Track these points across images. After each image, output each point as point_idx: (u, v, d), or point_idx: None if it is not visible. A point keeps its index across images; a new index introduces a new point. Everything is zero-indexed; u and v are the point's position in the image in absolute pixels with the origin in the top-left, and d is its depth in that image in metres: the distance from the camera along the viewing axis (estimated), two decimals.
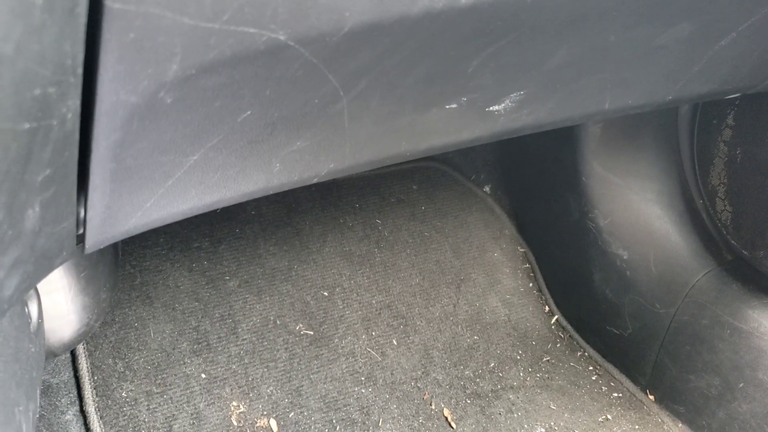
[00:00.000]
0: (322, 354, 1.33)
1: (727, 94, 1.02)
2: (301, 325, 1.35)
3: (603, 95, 0.88)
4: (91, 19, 0.39)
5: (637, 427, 1.31)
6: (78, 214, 0.59)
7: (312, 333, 1.35)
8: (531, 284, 1.56)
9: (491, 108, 0.80)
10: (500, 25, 0.62)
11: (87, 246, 0.65)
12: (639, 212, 1.33)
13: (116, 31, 0.40)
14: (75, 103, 0.43)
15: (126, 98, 0.46)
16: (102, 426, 1.16)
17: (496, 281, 1.53)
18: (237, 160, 0.67)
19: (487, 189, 1.64)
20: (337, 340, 1.35)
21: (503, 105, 0.81)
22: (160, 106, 0.50)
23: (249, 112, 0.59)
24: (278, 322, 1.33)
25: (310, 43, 0.51)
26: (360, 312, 1.40)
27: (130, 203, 0.62)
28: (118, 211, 0.62)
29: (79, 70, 0.41)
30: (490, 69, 0.72)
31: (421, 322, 1.43)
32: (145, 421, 1.19)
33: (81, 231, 0.62)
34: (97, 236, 0.64)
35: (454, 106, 0.77)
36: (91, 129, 0.47)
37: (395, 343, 1.39)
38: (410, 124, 0.77)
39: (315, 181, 0.79)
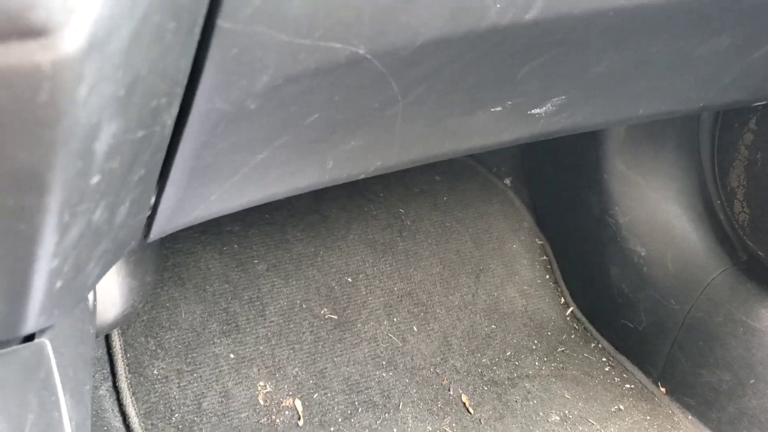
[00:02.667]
0: (346, 338, 1.37)
1: (756, 102, 1.05)
2: (325, 310, 1.39)
3: (638, 101, 0.91)
4: (202, 36, 0.42)
5: (648, 417, 1.35)
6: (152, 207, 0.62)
7: (336, 317, 1.39)
8: (548, 276, 1.60)
9: (533, 111, 0.84)
10: (554, 38, 0.65)
11: (151, 235, 0.68)
12: (658, 210, 1.37)
13: (222, 47, 0.43)
14: (176, 110, 0.46)
15: (219, 106, 0.49)
16: (134, 402, 1.20)
17: (514, 272, 1.57)
18: (297, 157, 0.70)
19: (507, 181, 1.67)
20: (360, 324, 1.39)
21: (545, 108, 0.84)
22: (245, 112, 0.53)
23: (316, 116, 0.62)
24: (304, 305, 1.37)
25: (384, 55, 0.54)
26: (382, 298, 1.44)
27: (198, 196, 0.66)
28: (186, 203, 0.66)
29: (185, 82, 0.44)
30: (537, 76, 0.75)
31: (441, 310, 1.47)
32: (175, 398, 1.23)
33: (150, 222, 0.65)
34: (163, 227, 0.68)
35: (499, 109, 0.80)
36: (181, 132, 0.51)
37: (415, 329, 1.43)
38: (456, 125, 0.80)
39: (362, 177, 0.83)
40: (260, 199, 0.75)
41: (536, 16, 0.58)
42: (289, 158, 0.69)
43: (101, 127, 0.33)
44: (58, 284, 0.42)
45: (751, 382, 1.23)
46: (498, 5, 0.54)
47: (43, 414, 0.52)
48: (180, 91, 0.44)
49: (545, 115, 0.85)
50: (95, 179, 0.36)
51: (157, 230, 0.68)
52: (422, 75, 0.63)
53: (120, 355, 1.22)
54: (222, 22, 0.41)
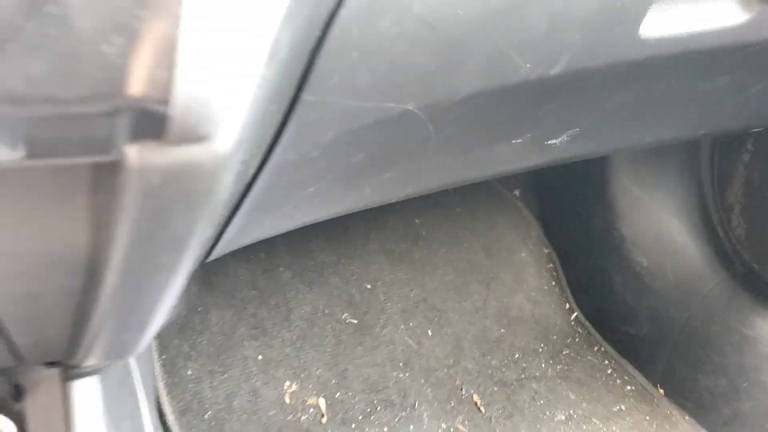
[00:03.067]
0: (365, 341, 1.46)
1: (752, 129, 1.13)
2: (346, 314, 1.47)
3: (645, 131, 0.99)
4: (289, 107, 0.50)
5: (647, 418, 1.44)
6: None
7: (356, 322, 1.47)
8: (554, 283, 1.68)
9: (550, 142, 0.92)
10: (575, 84, 0.74)
11: (211, 256, 0.77)
12: (660, 224, 1.45)
13: (302, 114, 0.52)
14: (257, 163, 0.55)
15: (290, 157, 0.57)
16: (170, 400, 1.29)
17: (522, 280, 1.65)
18: (339, 188, 0.78)
19: (517, 193, 1.75)
20: (378, 329, 1.48)
21: (560, 139, 0.92)
22: (308, 159, 0.61)
23: (362, 155, 0.70)
24: (326, 311, 1.46)
25: (427, 108, 0.63)
26: (399, 304, 1.52)
27: (254, 223, 0.74)
28: (245, 230, 0.74)
29: (270, 143, 0.53)
30: (555, 113, 0.83)
31: (454, 315, 1.55)
32: (208, 398, 1.32)
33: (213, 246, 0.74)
34: (222, 249, 0.76)
35: (519, 141, 0.88)
36: (257, 179, 0.59)
37: (430, 333, 1.51)
38: (480, 156, 0.88)
39: (393, 200, 0.91)
40: (304, 222, 0.83)
41: (560, 71, 0.66)
42: (334, 189, 0.77)
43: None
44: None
45: (745, 386, 1.31)
46: (528, 65, 0.62)
47: (135, 418, 0.61)
48: (265, 150, 0.53)
49: (560, 145, 0.93)
50: (210, 232, 0.45)
51: (217, 252, 0.76)
52: (455, 118, 0.72)
53: (155, 356, 1.30)
54: (306, 96, 0.49)
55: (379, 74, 0.52)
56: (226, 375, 1.34)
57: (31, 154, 0.31)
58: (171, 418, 1.27)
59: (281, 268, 1.47)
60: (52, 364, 0.61)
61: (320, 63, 0.47)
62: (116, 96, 0.30)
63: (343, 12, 0.44)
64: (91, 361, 0.52)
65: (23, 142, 0.31)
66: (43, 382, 0.59)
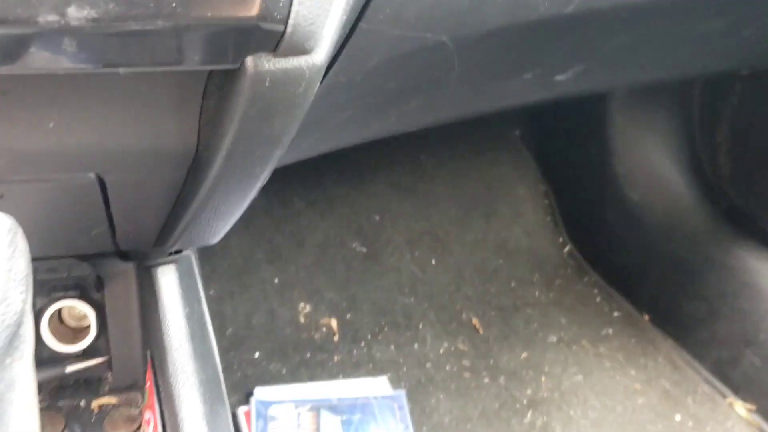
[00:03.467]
0: (374, 268, 1.56)
1: (743, 70, 1.22)
2: (356, 243, 1.57)
3: (644, 70, 1.08)
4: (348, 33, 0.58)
5: (633, 341, 1.56)
6: None
7: (365, 250, 1.58)
8: (549, 218, 1.79)
9: (557, 77, 1.00)
10: (583, 23, 0.82)
11: None
12: (651, 161, 1.55)
13: (357, 40, 0.60)
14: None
15: (340, 79, 0.66)
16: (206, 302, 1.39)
17: (519, 214, 1.76)
18: (370, 114, 0.87)
19: (517, 132, 1.84)
20: (386, 257, 1.58)
21: (566, 75, 1.00)
22: (352, 83, 0.69)
23: (394, 84, 0.79)
24: (338, 239, 1.56)
25: (458, 41, 0.71)
26: (405, 235, 1.62)
27: (295, 144, 0.83)
28: (292, 144, 0.83)
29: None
30: (562, 51, 0.92)
31: (456, 246, 1.66)
32: (228, 316, 1.42)
33: None
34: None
35: (529, 76, 0.97)
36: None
37: (434, 262, 1.62)
38: (494, 89, 0.97)
39: (414, 129, 1.00)
40: (337, 145, 0.92)
41: (573, 10, 0.74)
42: (365, 115, 0.86)
43: None
44: None
45: (724, 310, 1.44)
46: (546, 3, 0.70)
47: (198, 303, 0.70)
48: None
49: (566, 81, 1.02)
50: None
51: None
52: (478, 51, 0.80)
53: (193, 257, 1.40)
54: (362, 24, 0.57)
55: (422, 8, 0.60)
56: (245, 295, 1.45)
57: (179, 61, 0.40)
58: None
59: (295, 199, 1.56)
60: (126, 259, 0.70)
61: None
62: (247, 16, 0.39)
63: None
64: (172, 251, 0.61)
65: (177, 51, 0.39)
66: (121, 275, 0.69)
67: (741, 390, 1.41)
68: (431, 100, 0.92)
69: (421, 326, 1.52)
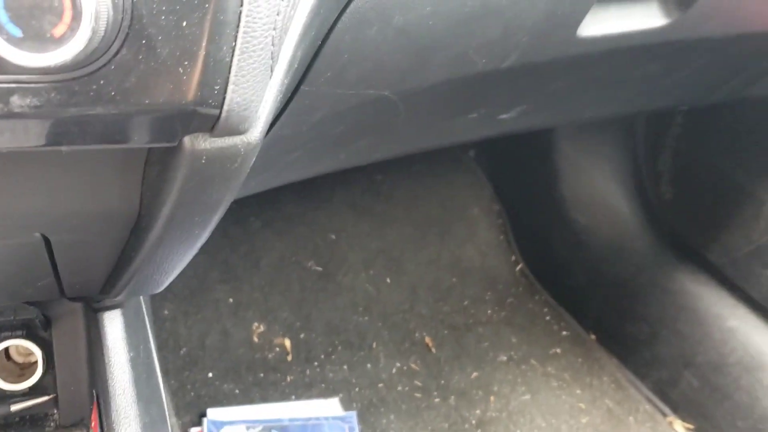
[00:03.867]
0: (328, 287, 1.59)
1: (680, 107, 1.28)
2: (312, 262, 1.60)
3: (585, 108, 1.13)
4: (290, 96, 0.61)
5: (580, 359, 1.62)
6: None
7: (321, 269, 1.60)
8: (502, 237, 1.84)
9: (501, 116, 1.04)
10: (522, 73, 0.86)
11: None
12: (597, 187, 1.61)
13: (299, 100, 0.63)
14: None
15: (284, 132, 0.69)
16: (153, 341, 1.40)
17: (474, 234, 1.80)
18: (319, 154, 0.90)
19: (471, 154, 1.89)
20: (340, 276, 1.61)
21: (510, 114, 1.05)
22: (299, 133, 0.72)
23: (342, 128, 0.82)
24: (293, 259, 1.58)
25: (400, 94, 0.74)
26: (360, 254, 1.65)
27: (249, 179, 0.85)
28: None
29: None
30: (505, 93, 0.96)
31: (411, 265, 1.70)
32: (183, 336, 1.44)
33: None
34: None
35: (474, 115, 1.01)
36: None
37: (388, 281, 1.66)
38: (441, 127, 1.00)
39: (364, 163, 1.03)
40: (286, 181, 0.95)
41: (510, 65, 0.78)
42: (314, 155, 0.89)
43: None
44: None
45: (664, 333, 1.50)
46: (483, 61, 0.74)
47: (146, 344, 0.73)
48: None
49: (510, 119, 1.06)
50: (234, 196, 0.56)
51: None
52: (421, 99, 0.83)
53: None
54: (304, 87, 0.61)
55: (364, 70, 0.64)
56: (199, 315, 1.46)
57: (117, 141, 0.43)
58: (156, 355, 1.38)
59: (251, 218, 1.58)
60: (75, 299, 0.72)
61: (317, 63, 0.58)
62: (184, 103, 0.42)
63: (338, 26, 0.55)
64: (120, 297, 0.63)
65: (116, 133, 0.42)
66: (68, 315, 0.70)
67: (680, 409, 1.48)
68: (380, 139, 0.95)
69: (374, 345, 1.55)
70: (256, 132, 0.46)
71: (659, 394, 1.51)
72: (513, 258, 1.83)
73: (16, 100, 0.39)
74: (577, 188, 1.63)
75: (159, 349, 1.42)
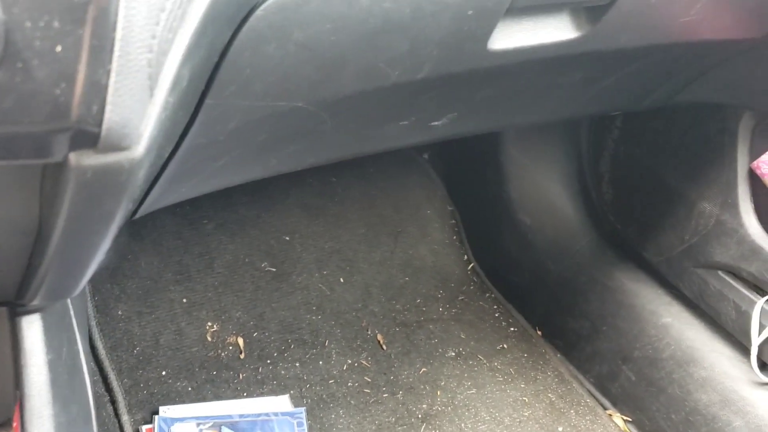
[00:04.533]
0: (282, 287, 1.63)
1: (612, 112, 1.33)
2: (265, 263, 1.63)
3: (514, 114, 1.17)
4: (195, 109, 0.65)
5: (525, 355, 1.67)
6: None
7: (274, 270, 1.64)
8: (455, 237, 1.88)
9: (432, 123, 1.08)
10: (441, 83, 0.90)
11: (136, 215, 0.91)
12: (543, 188, 1.66)
13: (206, 113, 0.66)
14: (170, 148, 0.69)
15: (199, 141, 0.72)
16: (101, 337, 1.43)
17: (426, 234, 1.85)
18: (247, 160, 0.93)
19: (425, 156, 1.93)
20: (294, 276, 1.65)
21: (441, 121, 1.09)
22: (216, 142, 0.76)
23: (265, 135, 0.85)
24: (247, 260, 1.61)
25: (315, 104, 0.78)
26: (314, 254, 1.69)
27: (173, 189, 0.89)
28: (165, 194, 0.88)
29: (179, 135, 0.67)
30: (433, 102, 1.00)
31: (364, 264, 1.74)
32: (137, 335, 1.47)
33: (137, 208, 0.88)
34: (145, 209, 0.90)
35: (405, 122, 1.05)
36: (171, 158, 0.73)
37: (342, 281, 1.69)
38: (372, 134, 1.04)
39: (298, 169, 1.07)
40: (218, 187, 0.98)
41: (425, 76, 0.82)
42: (242, 161, 0.92)
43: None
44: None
45: (604, 329, 1.55)
46: (396, 73, 0.78)
47: (72, 348, 0.76)
48: (176, 140, 0.67)
49: (442, 126, 1.10)
50: (131, 205, 0.60)
51: (142, 212, 0.90)
52: (344, 108, 0.87)
53: (89, 298, 1.44)
54: (208, 101, 0.64)
55: (270, 83, 0.67)
56: (153, 315, 1.49)
57: (4, 157, 0.46)
58: (102, 353, 1.41)
59: (205, 221, 1.61)
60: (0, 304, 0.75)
61: (219, 78, 0.61)
62: (63, 121, 0.45)
63: (235, 43, 0.58)
64: (36, 302, 0.66)
65: (4, 151, 0.45)
66: None
67: (619, 402, 1.53)
68: (311, 145, 0.99)
69: (327, 343, 1.59)
70: (139, 148, 0.49)
71: (600, 388, 1.56)
72: (465, 257, 1.87)
73: None
74: (524, 190, 1.68)
75: (113, 348, 1.45)
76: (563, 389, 1.58)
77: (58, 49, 0.43)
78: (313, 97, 0.75)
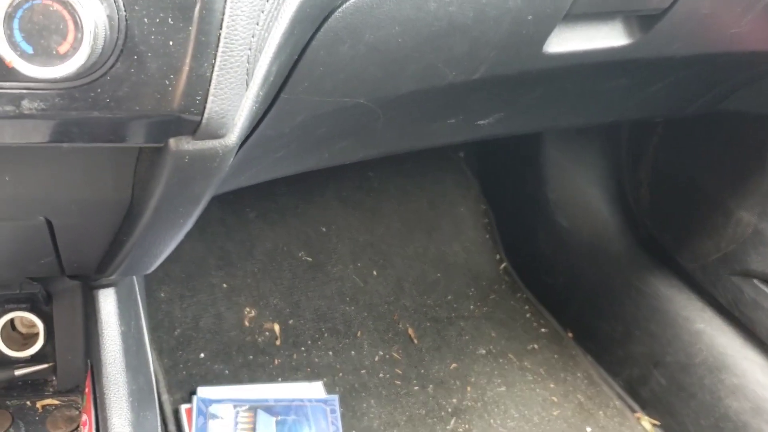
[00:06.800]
0: (318, 277, 1.67)
1: (656, 119, 1.35)
2: (302, 253, 1.67)
3: (559, 117, 1.19)
4: (271, 102, 0.69)
5: (556, 356, 1.69)
6: None
7: (311, 260, 1.68)
8: (488, 236, 1.91)
9: (479, 122, 1.11)
10: (494, 84, 0.93)
11: None
12: (581, 191, 1.68)
13: (280, 106, 0.70)
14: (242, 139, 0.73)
15: (268, 132, 0.76)
16: (145, 318, 1.48)
17: (460, 231, 1.87)
18: (303, 152, 0.97)
19: (461, 154, 1.96)
20: (329, 267, 1.69)
21: (487, 120, 1.12)
22: (281, 134, 0.79)
23: (323, 130, 0.89)
24: (285, 248, 1.66)
25: (375, 100, 0.81)
26: (349, 246, 1.73)
27: (234, 177, 0.92)
28: (226, 182, 0.92)
29: (253, 126, 0.71)
30: (482, 101, 1.03)
31: (397, 259, 1.77)
32: (177, 317, 1.51)
33: None
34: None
35: (452, 120, 1.07)
36: (241, 147, 0.77)
37: (375, 273, 1.73)
38: (420, 131, 1.07)
39: (347, 162, 1.10)
40: (273, 177, 1.02)
41: (480, 76, 0.85)
42: (298, 153, 0.96)
43: None
44: None
45: (636, 333, 1.57)
46: (453, 73, 0.81)
47: (137, 321, 0.80)
48: (250, 131, 0.71)
49: (487, 125, 1.13)
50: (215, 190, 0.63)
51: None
52: (398, 105, 0.90)
53: (135, 279, 1.49)
54: (283, 95, 0.68)
55: (339, 81, 0.71)
56: (194, 299, 1.54)
57: (111, 140, 0.50)
58: (144, 333, 1.46)
59: (247, 209, 1.65)
60: (74, 277, 0.79)
61: (295, 74, 0.65)
62: (169, 110, 0.49)
63: (313, 43, 0.62)
64: (113, 277, 0.70)
65: (109, 134, 0.49)
66: (68, 291, 0.78)
67: (648, 406, 1.55)
68: (362, 140, 1.02)
69: (359, 334, 1.62)
70: (233, 136, 0.53)
71: (629, 391, 1.58)
72: (497, 256, 1.90)
73: (26, 104, 0.47)
74: (562, 192, 1.70)
75: (154, 329, 1.50)
76: (592, 391, 1.60)
77: (170, 43, 0.46)
78: (374, 94, 0.78)
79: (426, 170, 1.90)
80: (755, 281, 1.35)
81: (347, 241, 1.74)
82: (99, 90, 0.47)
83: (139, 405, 0.70)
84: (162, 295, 1.51)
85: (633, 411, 1.56)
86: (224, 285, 1.57)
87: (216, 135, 0.52)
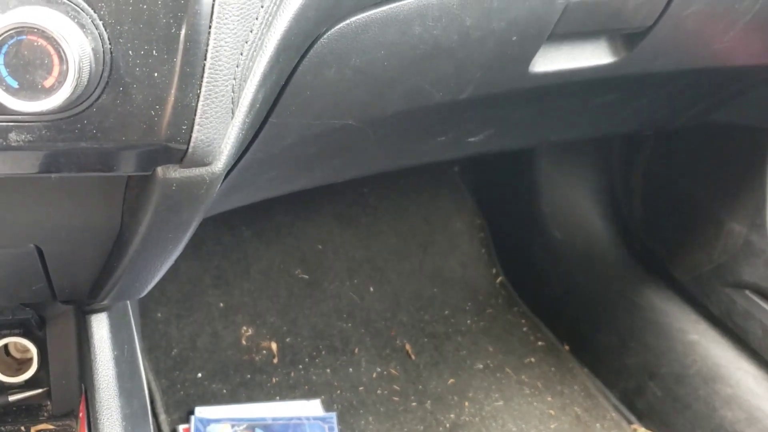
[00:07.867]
0: (314, 294, 1.67)
1: (644, 132, 1.36)
2: (299, 270, 1.68)
3: (549, 132, 1.20)
4: (259, 126, 0.70)
5: (553, 369, 1.69)
6: None
7: (307, 277, 1.68)
8: (483, 250, 1.91)
9: (469, 139, 1.12)
10: (482, 103, 0.94)
11: None
12: (574, 204, 1.69)
13: (268, 130, 0.71)
14: (232, 163, 0.74)
15: (258, 156, 0.77)
16: (141, 339, 1.48)
17: (456, 246, 1.88)
18: (294, 172, 0.98)
19: (456, 169, 1.97)
20: (326, 284, 1.69)
21: (478, 138, 1.13)
22: (272, 156, 0.80)
23: (314, 149, 0.90)
24: (281, 266, 1.66)
25: (363, 121, 0.82)
26: (346, 263, 1.73)
27: (226, 198, 0.93)
28: (218, 203, 0.93)
29: (243, 150, 0.72)
30: (473, 119, 1.04)
31: (394, 274, 1.78)
32: (174, 337, 1.52)
33: None
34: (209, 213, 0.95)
35: (443, 138, 1.09)
36: (233, 169, 0.78)
37: (372, 289, 1.74)
38: (411, 148, 1.08)
39: (339, 181, 1.11)
40: (265, 197, 1.03)
41: (468, 96, 0.86)
42: (290, 173, 0.97)
43: None
44: None
45: (631, 344, 1.57)
46: (440, 94, 0.82)
47: (131, 345, 0.81)
48: (239, 155, 0.72)
49: (478, 141, 1.14)
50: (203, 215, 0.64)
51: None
52: (388, 124, 0.91)
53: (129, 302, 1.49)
54: (272, 119, 0.69)
55: (326, 104, 0.72)
56: (191, 318, 1.54)
57: (99, 170, 0.51)
58: (140, 354, 1.46)
59: (243, 228, 1.66)
60: (67, 302, 0.80)
61: (283, 99, 0.66)
62: (155, 139, 0.50)
63: (300, 68, 0.63)
64: (105, 302, 0.71)
65: (97, 164, 0.50)
66: (61, 316, 0.78)
67: (644, 418, 1.55)
68: (353, 159, 1.03)
69: (356, 351, 1.63)
70: (219, 164, 0.54)
71: (626, 403, 1.58)
72: (494, 270, 1.90)
73: (13, 136, 0.47)
74: (556, 204, 1.71)
75: (151, 350, 1.50)
76: (589, 403, 1.60)
77: (155, 75, 0.47)
78: (362, 115, 0.79)
79: (421, 186, 1.91)
80: (747, 292, 1.35)
81: (343, 258, 1.74)
82: (85, 121, 0.48)
83: (133, 429, 0.71)
84: (158, 315, 1.52)
85: (629, 422, 1.56)
86: (221, 304, 1.57)
87: (202, 163, 0.53)
